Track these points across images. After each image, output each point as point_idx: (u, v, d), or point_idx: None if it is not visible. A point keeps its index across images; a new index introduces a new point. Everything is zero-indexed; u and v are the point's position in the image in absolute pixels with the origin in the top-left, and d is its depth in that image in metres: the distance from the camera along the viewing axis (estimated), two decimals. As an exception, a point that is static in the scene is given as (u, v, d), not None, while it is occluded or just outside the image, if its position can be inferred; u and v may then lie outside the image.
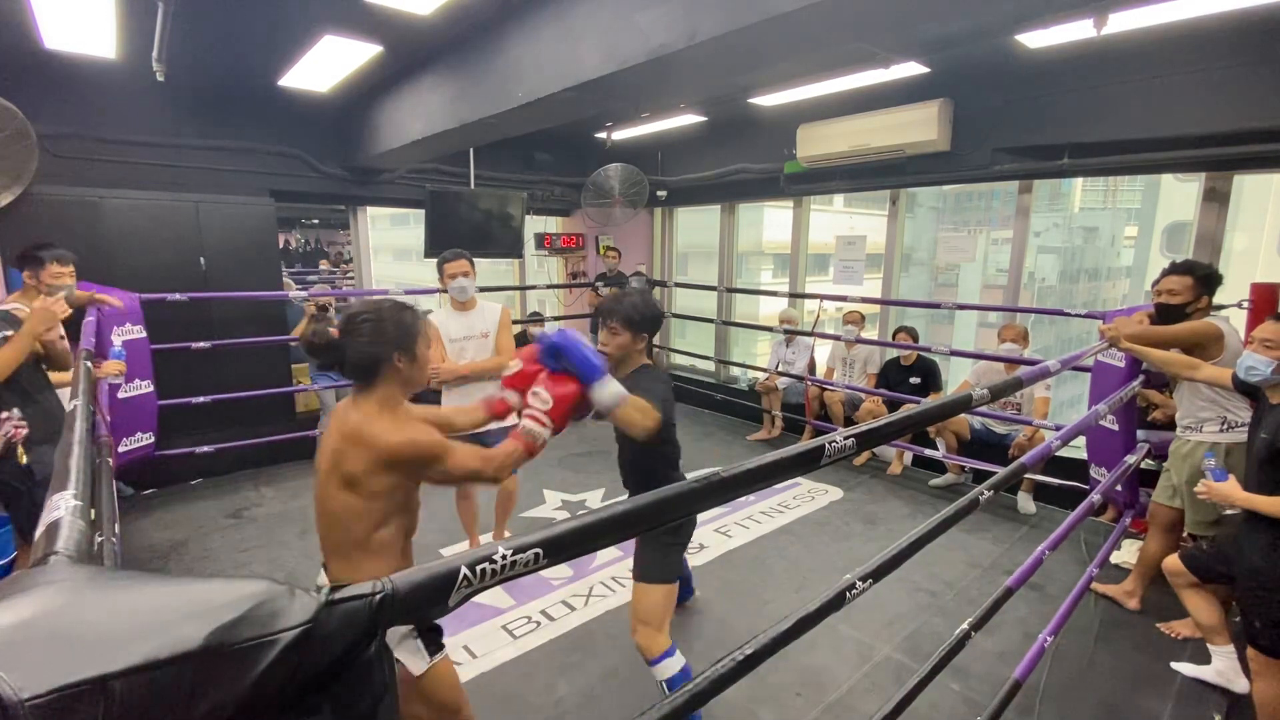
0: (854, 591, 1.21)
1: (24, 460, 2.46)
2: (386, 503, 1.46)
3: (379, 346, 1.45)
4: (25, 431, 2.44)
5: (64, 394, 2.78)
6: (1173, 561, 2.39)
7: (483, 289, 5.90)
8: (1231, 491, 2.06)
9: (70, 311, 2.68)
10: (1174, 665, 2.46)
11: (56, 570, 0.57)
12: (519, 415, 1.65)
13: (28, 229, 3.64)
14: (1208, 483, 2.12)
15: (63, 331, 3.05)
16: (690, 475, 0.92)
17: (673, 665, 2.06)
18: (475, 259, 3.18)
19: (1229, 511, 2.20)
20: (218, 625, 0.47)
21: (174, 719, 0.44)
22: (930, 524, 1.44)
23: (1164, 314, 2.68)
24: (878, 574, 1.27)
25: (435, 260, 3.13)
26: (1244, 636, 2.09)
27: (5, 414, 2.43)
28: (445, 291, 3.10)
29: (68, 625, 0.46)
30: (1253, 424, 2.17)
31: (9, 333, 2.49)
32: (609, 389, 1.70)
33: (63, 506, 0.83)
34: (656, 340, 6.76)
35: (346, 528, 1.46)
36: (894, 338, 4.73)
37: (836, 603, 1.19)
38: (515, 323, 6.19)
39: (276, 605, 0.50)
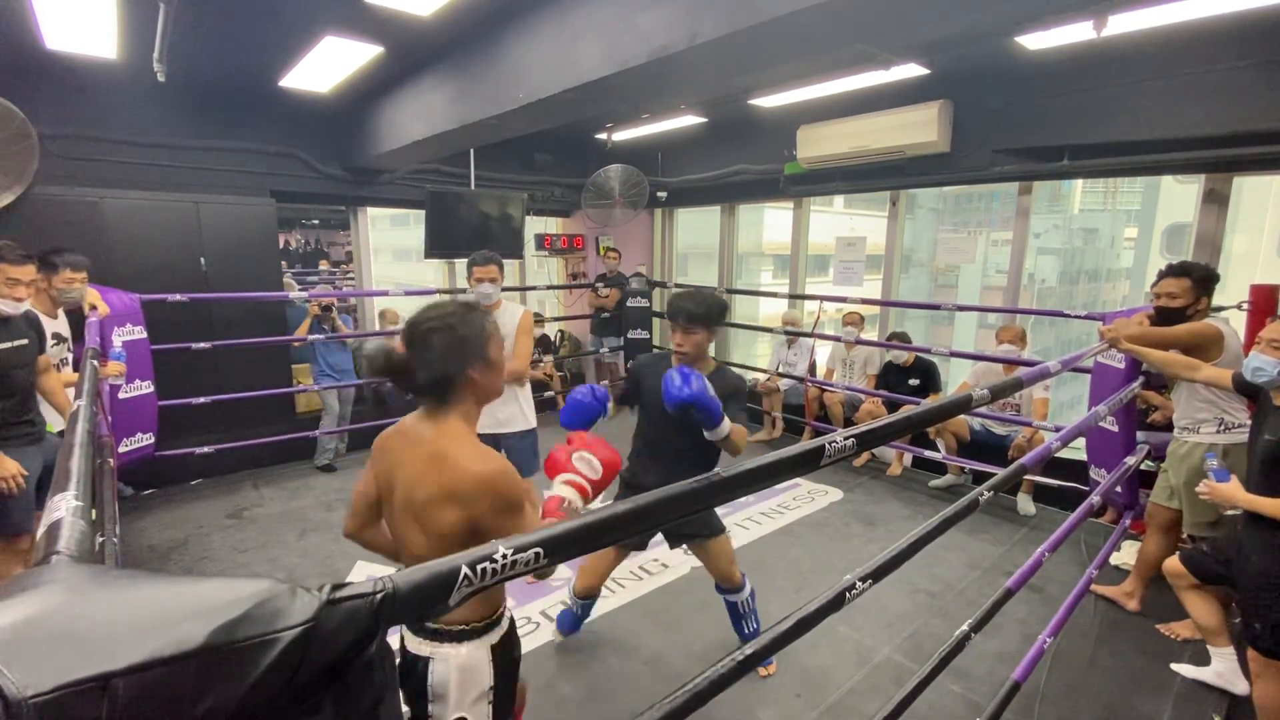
0: (854, 592, 1.21)
1: None
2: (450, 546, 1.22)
3: (455, 360, 1.28)
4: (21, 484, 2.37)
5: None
6: (1173, 563, 2.39)
7: (483, 290, 5.91)
8: (1234, 493, 2.06)
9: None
10: (1174, 667, 2.46)
11: (58, 569, 0.57)
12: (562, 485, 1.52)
13: (28, 229, 3.64)
14: (1210, 483, 2.12)
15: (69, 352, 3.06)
16: (691, 478, 0.92)
17: (749, 587, 2.45)
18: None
19: (1229, 512, 2.19)
20: (220, 624, 0.47)
21: (176, 717, 0.44)
22: (930, 525, 1.44)
23: (1164, 317, 2.67)
24: (877, 574, 1.27)
25: (435, 260, 3.14)
26: (1244, 638, 2.09)
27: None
28: (449, 293, 3.11)
29: (70, 623, 0.46)
30: (1254, 426, 2.17)
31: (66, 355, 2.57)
32: (724, 429, 1.82)
33: (64, 507, 0.83)
34: (657, 341, 6.77)
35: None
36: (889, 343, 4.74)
37: (836, 603, 1.19)
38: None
39: (278, 604, 0.51)
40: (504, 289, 3.07)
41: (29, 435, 2.52)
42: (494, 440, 2.75)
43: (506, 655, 1.39)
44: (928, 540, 1.42)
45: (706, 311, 2.07)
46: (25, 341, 2.48)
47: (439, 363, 1.26)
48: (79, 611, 0.47)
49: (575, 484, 1.47)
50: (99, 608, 0.48)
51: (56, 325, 3.02)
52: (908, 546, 1.38)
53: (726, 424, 1.84)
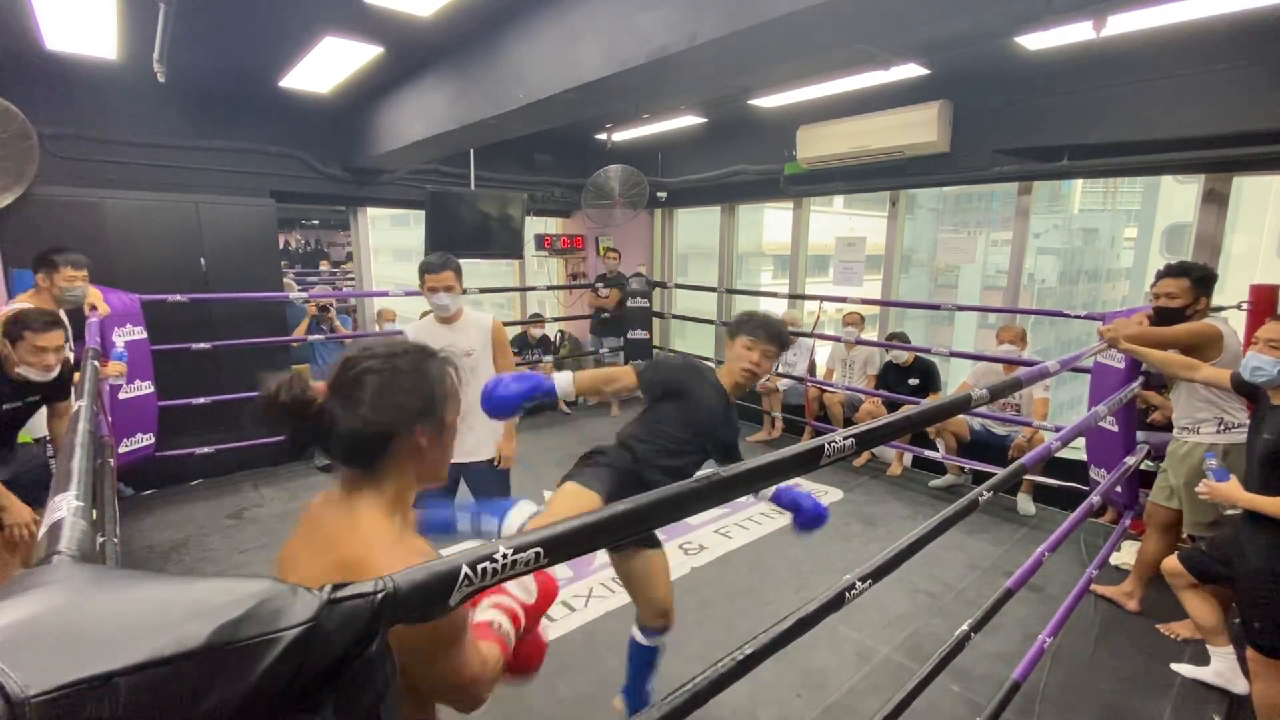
0: (854, 592, 1.21)
1: None
2: None
3: (394, 413, 0.92)
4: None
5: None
6: (1171, 563, 2.40)
7: (483, 290, 5.92)
8: (1234, 492, 2.06)
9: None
10: (1174, 666, 2.46)
11: (60, 569, 0.57)
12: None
13: (29, 230, 3.64)
14: (1210, 483, 2.12)
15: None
16: (690, 477, 0.92)
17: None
18: (476, 260, 2.98)
19: (1229, 511, 2.20)
20: (221, 623, 0.47)
21: (178, 716, 0.44)
22: (930, 524, 1.44)
23: (1164, 317, 2.67)
24: (877, 574, 1.27)
25: (423, 268, 2.58)
26: (1243, 637, 2.09)
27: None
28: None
29: (72, 623, 0.46)
30: (1253, 425, 2.17)
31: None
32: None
33: (65, 507, 0.83)
34: (657, 341, 6.77)
35: None
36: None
37: (836, 603, 1.19)
38: (514, 324, 6.20)
39: (279, 604, 0.51)
40: (504, 289, 2.96)
41: None
42: (455, 470, 2.47)
43: None
44: (928, 540, 1.42)
45: (778, 335, 1.98)
46: (38, 398, 2.48)
47: (371, 413, 0.90)
48: (81, 611, 0.47)
49: (506, 608, 1.11)
50: (101, 607, 0.48)
51: None
52: (908, 546, 1.38)
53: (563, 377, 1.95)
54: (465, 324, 2.54)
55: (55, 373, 2.37)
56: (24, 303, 2.81)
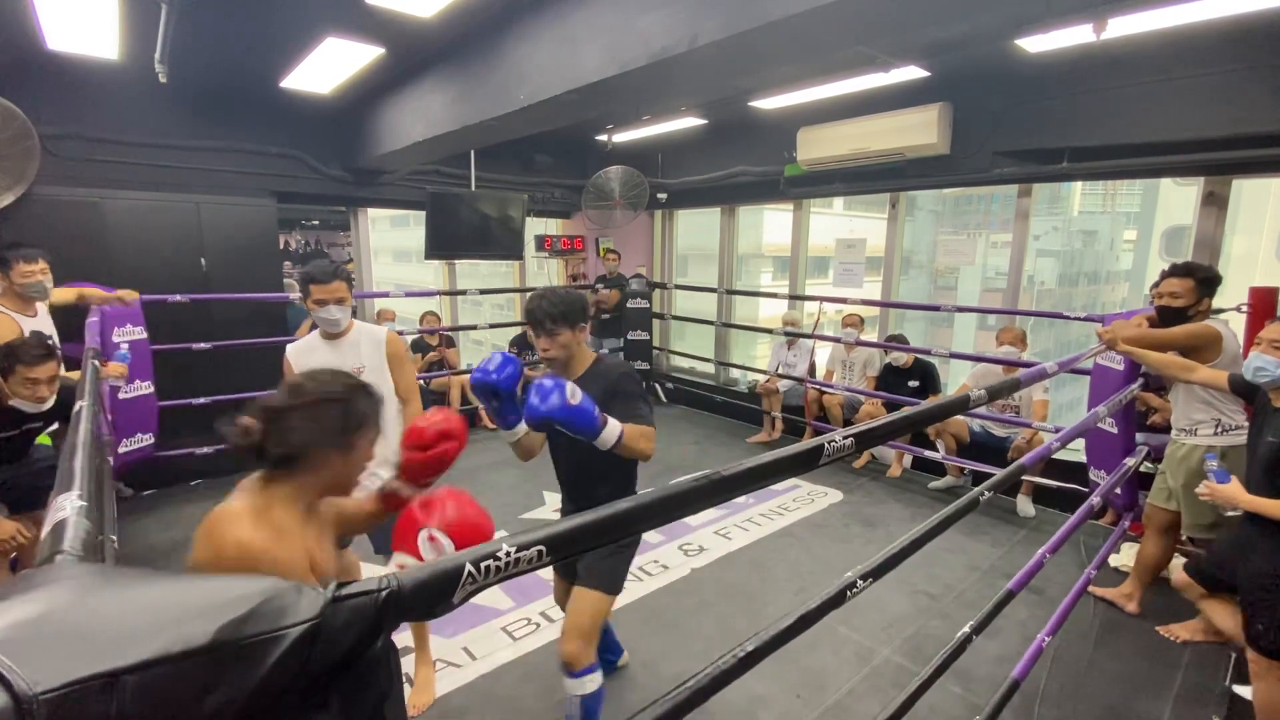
0: (854, 590, 1.22)
1: None
2: None
3: (314, 434, 1.16)
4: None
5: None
6: (1180, 577, 2.39)
7: (483, 291, 5.92)
8: (1235, 493, 2.06)
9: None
10: (1235, 689, 2.36)
11: (64, 568, 0.57)
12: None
13: (29, 230, 3.64)
14: (1211, 484, 2.12)
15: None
16: (689, 476, 0.92)
17: (596, 680, 1.93)
18: (476, 261, 2.88)
19: (1230, 513, 2.20)
20: (226, 621, 0.47)
21: (183, 713, 0.44)
22: (930, 523, 1.45)
23: (1165, 317, 2.68)
24: (878, 572, 1.28)
25: (435, 261, 2.38)
26: (1245, 638, 2.09)
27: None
28: (449, 294, 2.95)
29: (78, 621, 0.46)
30: (1254, 428, 2.17)
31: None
32: (610, 436, 1.65)
33: (68, 507, 0.83)
34: (657, 342, 6.77)
35: None
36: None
37: (837, 600, 1.19)
38: (513, 325, 6.20)
39: (283, 602, 0.51)
40: (504, 290, 2.93)
41: None
42: None
43: None
44: (928, 539, 1.42)
45: (567, 310, 1.87)
46: (40, 425, 2.50)
47: (293, 435, 1.14)
48: (87, 609, 0.48)
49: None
50: (106, 606, 0.48)
51: (36, 323, 2.97)
52: (908, 545, 1.38)
53: (613, 428, 1.67)
54: (354, 339, 2.26)
55: (49, 403, 2.36)
56: None
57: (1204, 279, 2.62)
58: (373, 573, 0.73)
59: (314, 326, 2.26)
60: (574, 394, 1.60)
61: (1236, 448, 2.42)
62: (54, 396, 2.37)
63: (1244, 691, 2.34)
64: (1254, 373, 2.08)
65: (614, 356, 1.92)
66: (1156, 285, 2.79)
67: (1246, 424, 2.48)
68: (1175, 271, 2.68)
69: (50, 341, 2.91)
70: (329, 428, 1.16)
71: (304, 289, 2.17)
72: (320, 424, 1.16)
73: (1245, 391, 2.21)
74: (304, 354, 2.17)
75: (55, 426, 2.58)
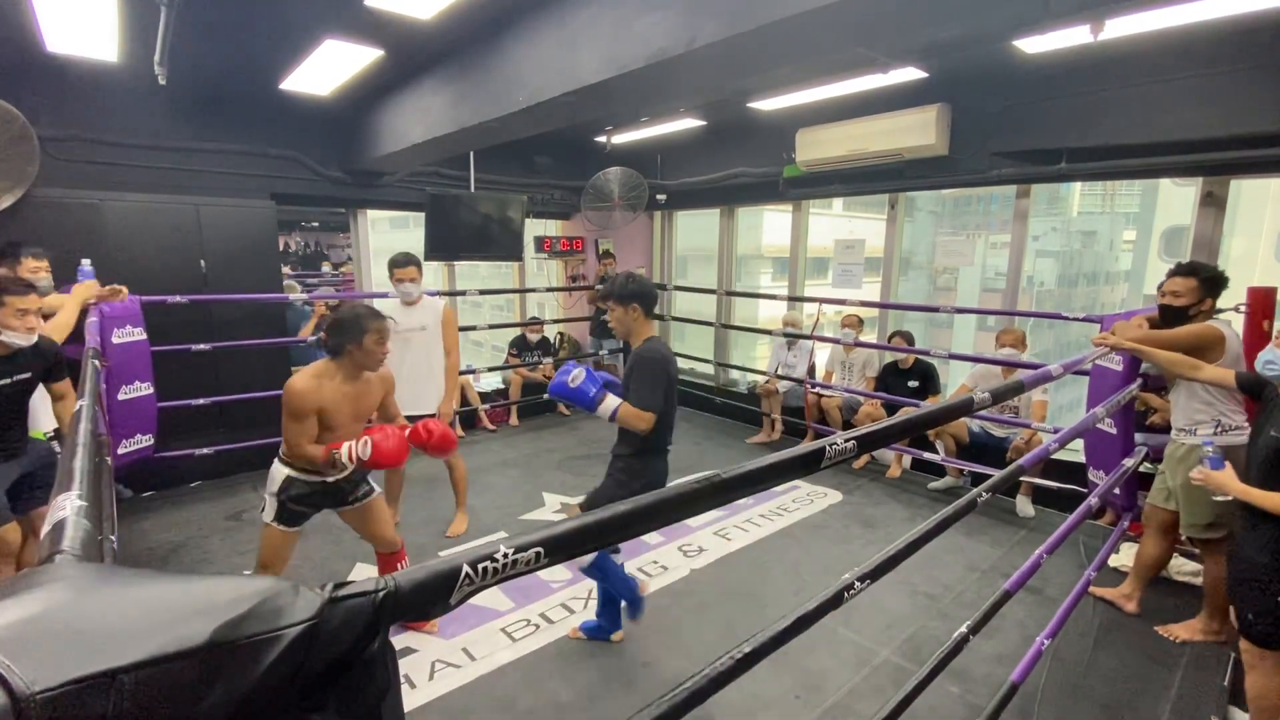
0: (853, 591, 1.22)
1: None
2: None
3: (343, 336, 2.26)
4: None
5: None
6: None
7: (483, 292, 5.92)
8: (1226, 480, 2.06)
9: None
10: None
11: (63, 568, 0.57)
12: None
13: (28, 232, 3.64)
14: (1204, 470, 2.12)
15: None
16: (689, 477, 0.92)
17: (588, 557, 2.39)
18: (475, 262, 3.35)
19: (1218, 498, 2.17)
20: (224, 621, 0.47)
21: (181, 713, 0.44)
22: (929, 524, 1.45)
23: (1167, 316, 2.68)
24: (876, 574, 1.28)
25: (435, 262, 3.35)
26: (1238, 629, 2.08)
27: None
28: (449, 295, 3.20)
29: (76, 620, 0.46)
30: (1257, 423, 2.16)
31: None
32: (605, 411, 2.24)
33: (68, 506, 0.83)
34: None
35: None
36: (890, 342, 4.75)
37: (835, 602, 1.19)
38: (512, 325, 6.22)
39: (281, 602, 0.51)
40: (504, 291, 3.22)
41: (3, 453, 2.54)
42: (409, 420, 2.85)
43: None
44: (927, 539, 1.42)
45: (613, 289, 2.38)
46: (29, 375, 2.50)
47: (333, 335, 2.27)
48: (85, 608, 0.48)
49: (351, 452, 2.19)
50: (104, 605, 0.48)
51: None
52: (907, 545, 1.38)
53: (608, 405, 2.23)
54: (423, 306, 3.55)
55: (35, 337, 2.45)
56: None
57: (1208, 279, 2.62)
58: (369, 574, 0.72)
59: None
60: (575, 378, 2.23)
61: (1237, 448, 2.42)
62: (37, 334, 2.48)
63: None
64: (1263, 366, 2.08)
65: (659, 340, 2.38)
66: (1162, 284, 2.79)
67: (1246, 424, 2.49)
68: (1180, 270, 2.68)
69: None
70: (350, 332, 2.26)
71: (390, 271, 3.48)
72: (346, 331, 2.27)
73: (1253, 388, 2.21)
74: (390, 310, 3.04)
75: (37, 381, 2.60)
